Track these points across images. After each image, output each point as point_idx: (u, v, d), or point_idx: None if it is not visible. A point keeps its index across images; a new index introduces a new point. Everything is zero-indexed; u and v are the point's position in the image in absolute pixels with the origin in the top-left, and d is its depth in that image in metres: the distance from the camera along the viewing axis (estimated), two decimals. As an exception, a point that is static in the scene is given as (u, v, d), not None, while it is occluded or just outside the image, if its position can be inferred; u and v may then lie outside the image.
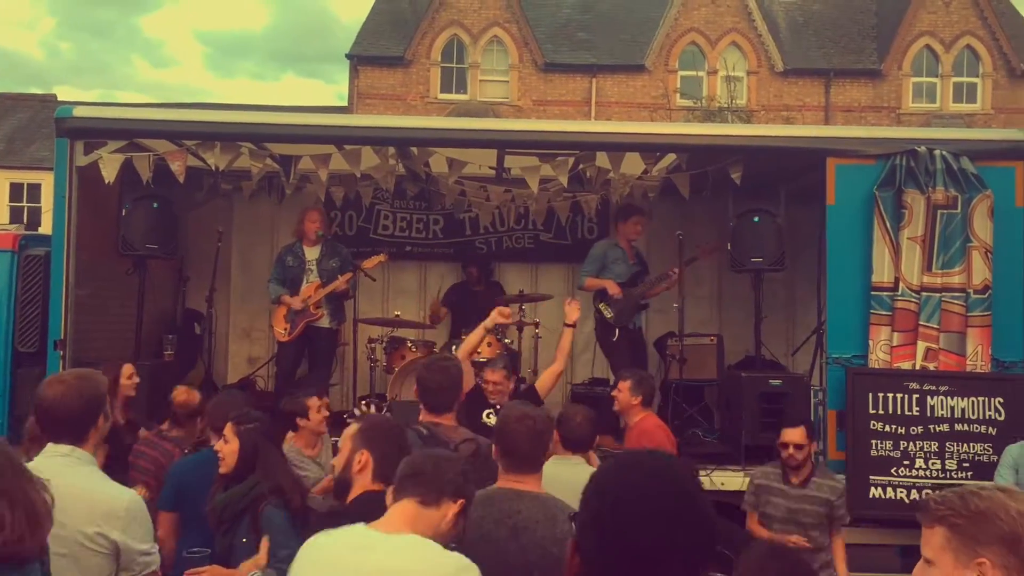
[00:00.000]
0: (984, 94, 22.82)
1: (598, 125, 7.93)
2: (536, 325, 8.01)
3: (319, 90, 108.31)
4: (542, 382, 5.61)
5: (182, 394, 5.37)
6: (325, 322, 7.50)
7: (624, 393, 5.67)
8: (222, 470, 3.98)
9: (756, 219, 6.91)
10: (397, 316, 8.10)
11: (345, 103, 25.09)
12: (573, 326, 5.79)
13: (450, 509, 2.45)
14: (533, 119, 17.91)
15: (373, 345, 7.94)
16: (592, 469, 4.55)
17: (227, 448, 3.97)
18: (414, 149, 7.07)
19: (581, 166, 7.15)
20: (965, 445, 6.19)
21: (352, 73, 24.00)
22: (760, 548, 2.63)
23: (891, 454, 6.12)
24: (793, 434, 5.21)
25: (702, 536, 1.61)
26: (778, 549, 2.68)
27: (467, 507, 2.49)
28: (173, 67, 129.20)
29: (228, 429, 4.02)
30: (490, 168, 7.80)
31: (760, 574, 2.40)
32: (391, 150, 7.03)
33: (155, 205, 7.02)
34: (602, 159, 6.91)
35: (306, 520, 3.60)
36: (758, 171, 6.99)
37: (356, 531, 2.35)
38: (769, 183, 7.57)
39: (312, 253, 7.60)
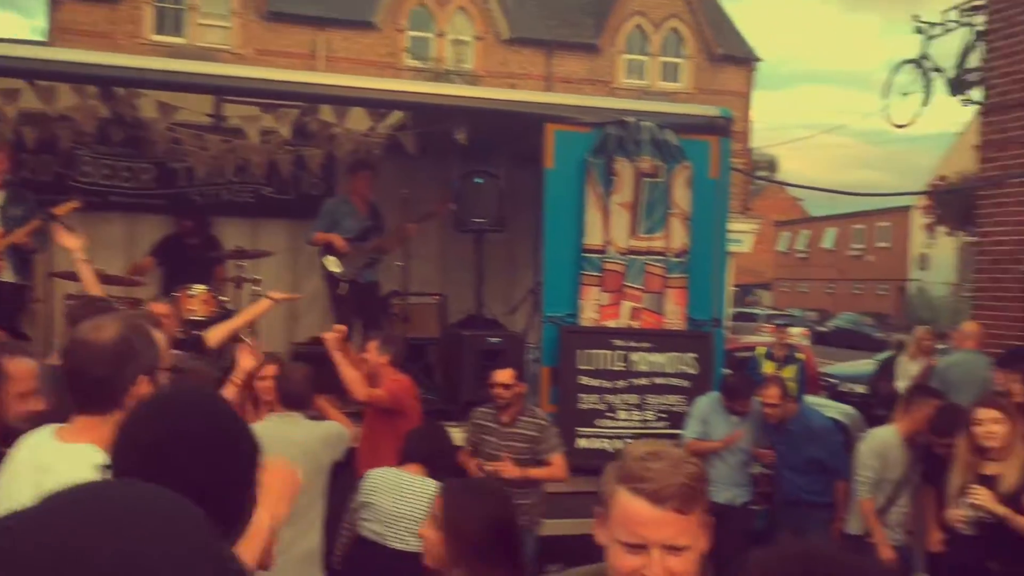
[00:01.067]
0: (687, 74, 24.70)
1: (323, 77, 7.70)
2: (256, 282, 7.70)
3: (12, 23, 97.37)
4: (214, 333, 5.52)
5: None
6: (7, 275, 6.73)
7: (372, 353, 5.67)
8: None
9: (478, 180, 7.03)
10: (100, 272, 7.45)
11: (44, 39, 22.68)
12: (275, 302, 5.76)
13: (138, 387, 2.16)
14: (254, 66, 17.11)
15: (72, 303, 7.26)
16: (311, 424, 4.51)
17: None
18: (120, 90, 6.50)
19: (305, 119, 6.93)
20: (663, 397, 6.71)
21: (51, 5, 21.73)
22: (458, 484, 2.69)
23: (596, 407, 6.52)
24: (502, 375, 5.42)
25: (226, 476, 1.56)
26: (476, 483, 2.75)
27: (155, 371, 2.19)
28: None
29: None
30: (207, 116, 7.37)
31: (464, 511, 2.46)
32: (92, 90, 6.42)
33: None
34: (327, 112, 6.73)
35: None
36: (482, 133, 7.10)
37: (41, 445, 2.15)
38: (492, 145, 7.72)
39: (-8, 199, 6.78)
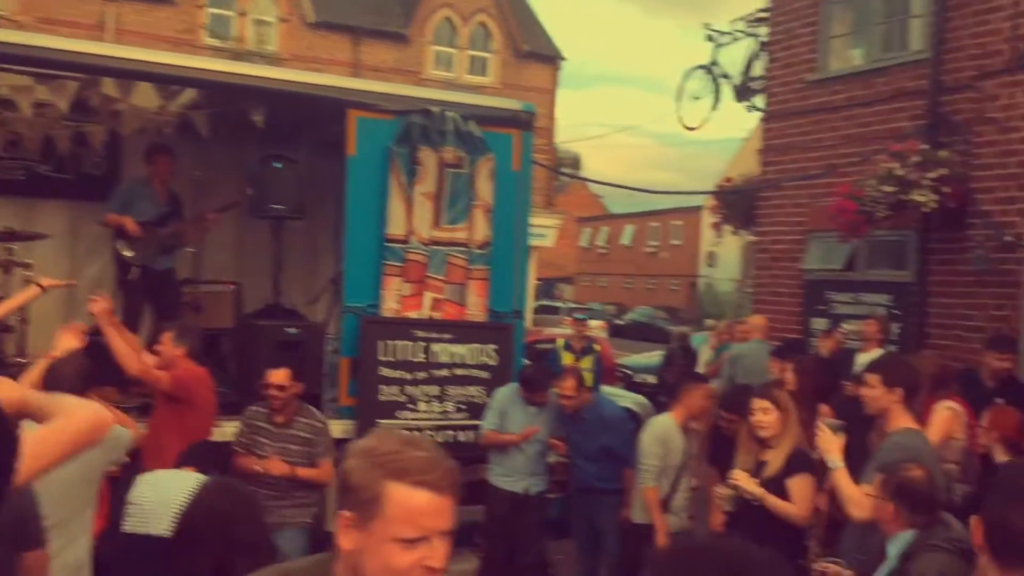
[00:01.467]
0: (494, 69, 24.98)
1: (106, 48, 7.16)
2: (26, 267, 7.09)
3: None
4: None
5: None
6: None
7: (167, 345, 5.35)
8: None
9: (277, 165, 6.79)
10: None
11: None
12: (43, 289, 5.39)
13: None
14: (27, 32, 15.85)
15: None
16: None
17: None
18: None
19: (85, 92, 6.44)
20: (463, 388, 6.72)
21: None
22: (208, 485, 2.61)
23: (397, 398, 6.45)
24: (276, 375, 5.30)
25: None
26: (224, 484, 2.66)
27: None
28: None
29: None
30: (-29, 84, 6.71)
31: (210, 508, 2.37)
32: None
33: None
34: (110, 86, 6.28)
35: None
36: (282, 117, 6.86)
37: None
38: (292, 130, 7.48)
39: None
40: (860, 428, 4.55)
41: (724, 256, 40.92)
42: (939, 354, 7.46)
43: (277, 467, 5.21)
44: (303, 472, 5.28)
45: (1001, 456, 4.76)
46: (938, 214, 8.08)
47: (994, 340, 6.90)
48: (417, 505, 1.63)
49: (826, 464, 4.26)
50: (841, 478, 4.14)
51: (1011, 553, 1.83)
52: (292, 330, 6.53)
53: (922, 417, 4.99)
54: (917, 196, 7.90)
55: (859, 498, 4.00)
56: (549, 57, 25.75)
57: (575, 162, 48.58)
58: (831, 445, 4.20)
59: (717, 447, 5.76)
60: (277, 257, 7.09)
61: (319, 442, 5.38)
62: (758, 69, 11.21)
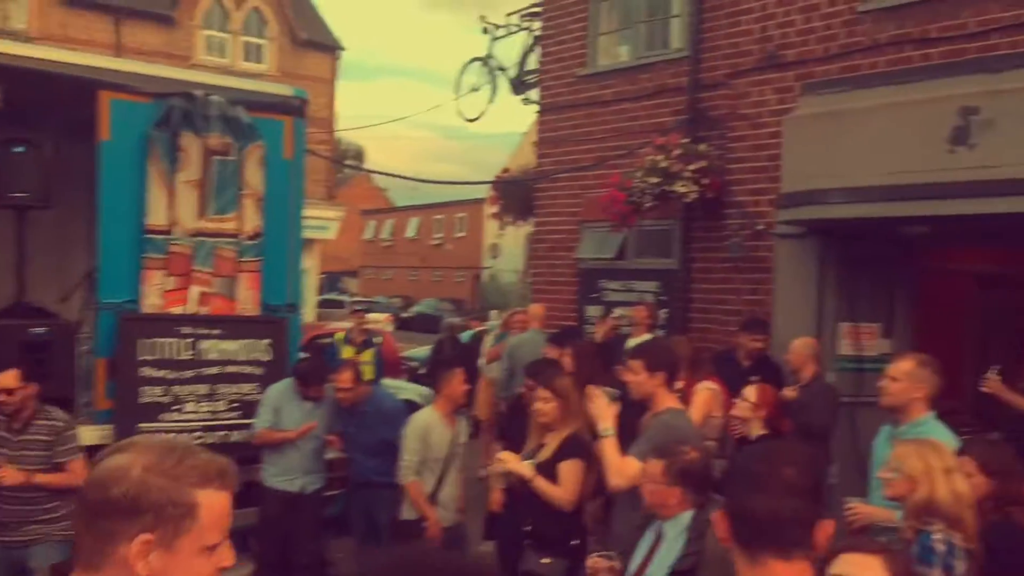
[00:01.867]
0: (271, 56, 24.16)
1: None
2: None
3: None
4: None
5: None
6: None
7: None
8: None
9: (18, 149, 6.20)
10: None
11: None
12: None
13: None
14: None
15: None
16: None
17: None
18: None
19: None
20: (235, 386, 6.41)
21: None
22: None
23: (160, 400, 6.06)
24: (1, 379, 4.88)
25: None
26: None
27: None
28: None
29: None
30: None
31: None
32: None
33: None
34: None
35: None
36: (24, 97, 6.26)
37: None
38: (38, 111, 6.85)
39: None
40: (630, 410, 4.70)
41: (507, 247, 41.76)
42: (701, 336, 7.91)
43: (11, 476, 4.80)
44: (42, 478, 4.86)
45: (758, 431, 5.05)
46: (698, 204, 8.56)
47: (748, 323, 7.39)
48: (223, 508, 1.63)
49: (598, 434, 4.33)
50: (608, 446, 4.22)
51: (756, 540, 1.82)
52: (38, 330, 6.00)
53: (684, 398, 5.23)
54: (679, 187, 8.33)
55: (622, 468, 4.10)
56: (328, 47, 25.23)
57: (358, 154, 47.98)
58: (604, 412, 4.28)
59: (520, 421, 5.73)
60: (21, 250, 6.49)
61: (61, 442, 4.97)
62: (533, 63, 11.45)
